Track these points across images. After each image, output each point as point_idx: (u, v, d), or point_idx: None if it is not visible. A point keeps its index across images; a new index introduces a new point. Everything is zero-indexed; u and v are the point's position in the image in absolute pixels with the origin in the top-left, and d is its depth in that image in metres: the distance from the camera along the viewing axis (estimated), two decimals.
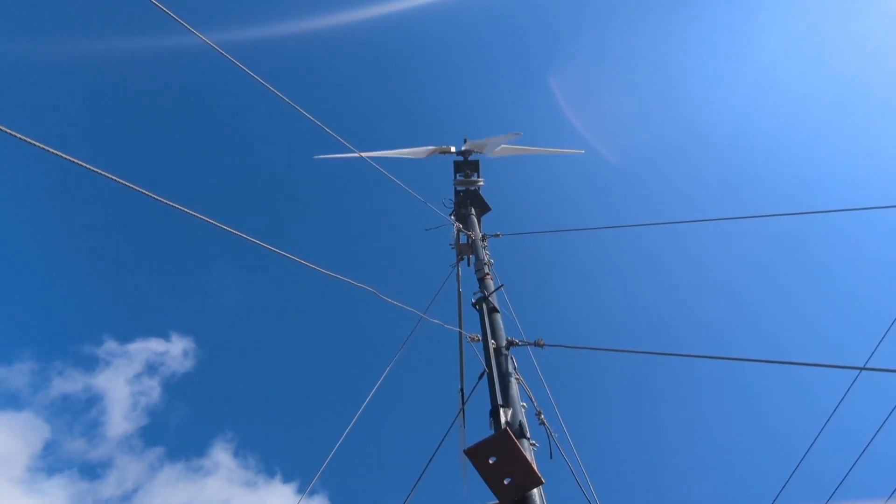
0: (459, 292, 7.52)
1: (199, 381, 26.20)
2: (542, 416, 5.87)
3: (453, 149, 8.96)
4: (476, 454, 4.65)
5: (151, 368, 25.18)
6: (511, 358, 6.01)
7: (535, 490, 4.92)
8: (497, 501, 5.05)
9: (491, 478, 4.81)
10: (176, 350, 25.37)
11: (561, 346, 5.75)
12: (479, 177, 8.62)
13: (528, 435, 5.35)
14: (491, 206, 8.37)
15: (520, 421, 5.34)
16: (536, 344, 6.06)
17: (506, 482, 4.82)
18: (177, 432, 25.64)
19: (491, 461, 4.72)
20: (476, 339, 6.27)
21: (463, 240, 8.27)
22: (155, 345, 25.29)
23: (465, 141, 8.91)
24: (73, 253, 27.36)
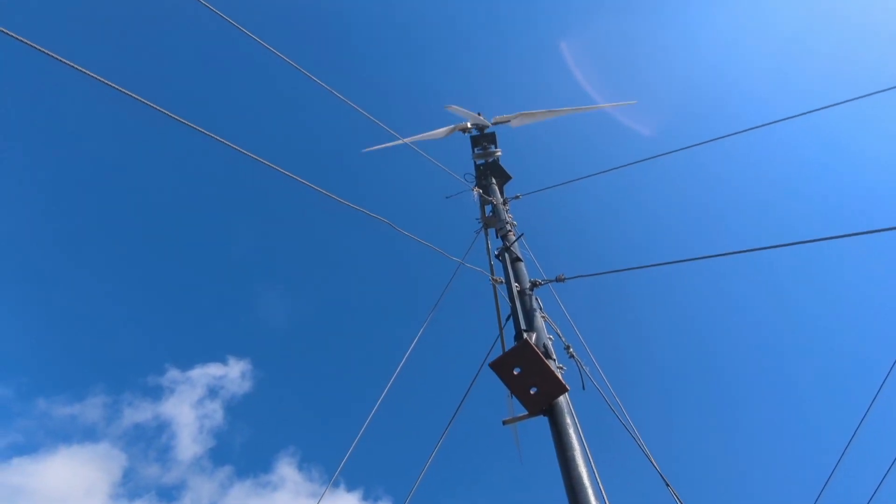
0: (488, 247, 7.81)
1: (258, 400, 27.21)
2: (572, 350, 6.11)
3: (469, 124, 9.33)
4: (500, 366, 4.94)
5: (213, 392, 26.31)
6: (536, 298, 6.29)
7: (561, 398, 5.15)
8: (526, 413, 5.32)
9: (518, 389, 5.08)
10: (234, 372, 26.47)
11: (581, 276, 5.98)
12: (496, 148, 8.98)
13: (554, 357, 5.56)
14: (511, 174, 8.68)
15: (544, 343, 5.57)
16: (558, 279, 6.31)
17: (532, 392, 5.08)
18: (242, 451, 26.61)
19: (515, 372, 4.99)
20: (500, 281, 6.56)
21: (489, 212, 8.60)
22: (214, 369, 26.46)
23: (478, 114, 9.30)
24: (128, 288, 29.01)
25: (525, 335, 4.93)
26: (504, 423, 5.67)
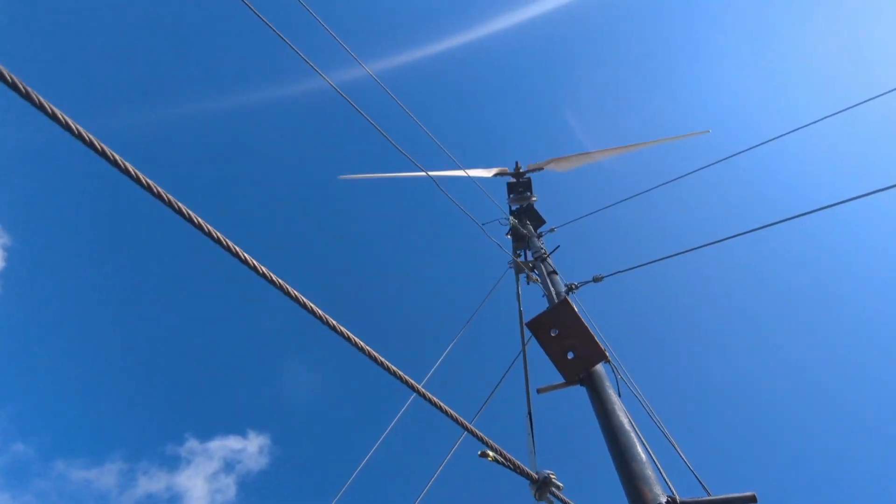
0: (517, 278, 7.95)
1: (272, 478, 26.20)
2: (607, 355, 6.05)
3: (508, 169, 9.81)
4: (538, 326, 4.93)
5: (229, 466, 25.50)
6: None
7: (600, 367, 5.06)
8: (563, 381, 5.21)
9: (554, 353, 5.02)
10: (252, 447, 25.76)
11: (618, 272, 6.05)
12: (531, 194, 9.34)
13: None
14: (546, 218, 8.97)
15: None
16: (595, 280, 6.37)
17: (569, 357, 5.02)
18: None
19: (553, 334, 4.96)
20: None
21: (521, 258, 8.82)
22: (233, 442, 25.81)
23: (516, 164, 9.79)
24: (155, 355, 29.20)
25: (566, 296, 4.94)
26: (539, 391, 5.50)
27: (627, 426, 4.12)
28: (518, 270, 8.51)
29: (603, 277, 6.30)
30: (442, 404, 1.98)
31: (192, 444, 25.87)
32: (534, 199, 9.25)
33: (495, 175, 9.64)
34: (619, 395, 5.68)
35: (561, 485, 2.79)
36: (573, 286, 6.53)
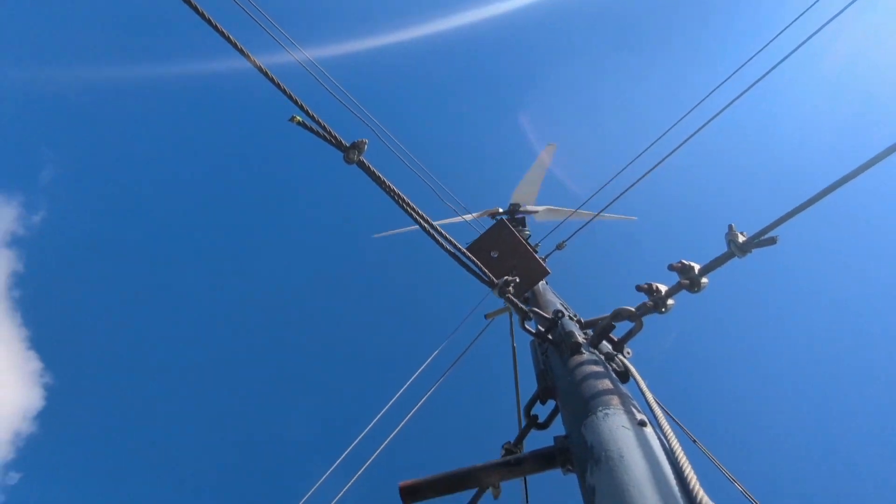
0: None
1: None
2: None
3: (500, 209, 10.28)
4: (477, 250, 5.19)
5: None
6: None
7: (542, 283, 5.24)
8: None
9: (498, 276, 5.23)
10: None
11: (573, 234, 6.29)
12: (525, 228, 9.70)
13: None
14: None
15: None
16: (558, 247, 6.61)
17: (514, 277, 5.21)
18: None
19: (493, 256, 5.21)
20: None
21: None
22: None
23: (510, 204, 10.27)
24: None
25: (503, 218, 5.21)
26: (486, 317, 5.53)
27: None
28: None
29: (565, 243, 6.52)
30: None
31: None
32: (527, 233, 9.62)
33: (482, 215, 10.16)
34: None
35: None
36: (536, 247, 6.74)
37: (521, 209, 10.32)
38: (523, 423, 2.77)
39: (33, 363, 25.41)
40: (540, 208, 10.46)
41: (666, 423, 1.65)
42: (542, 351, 3.00)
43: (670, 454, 1.47)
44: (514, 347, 4.96)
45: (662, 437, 1.57)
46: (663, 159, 5.16)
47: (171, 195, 30.85)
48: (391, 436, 4.75)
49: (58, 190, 28.67)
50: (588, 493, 1.48)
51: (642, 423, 1.61)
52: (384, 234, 10.77)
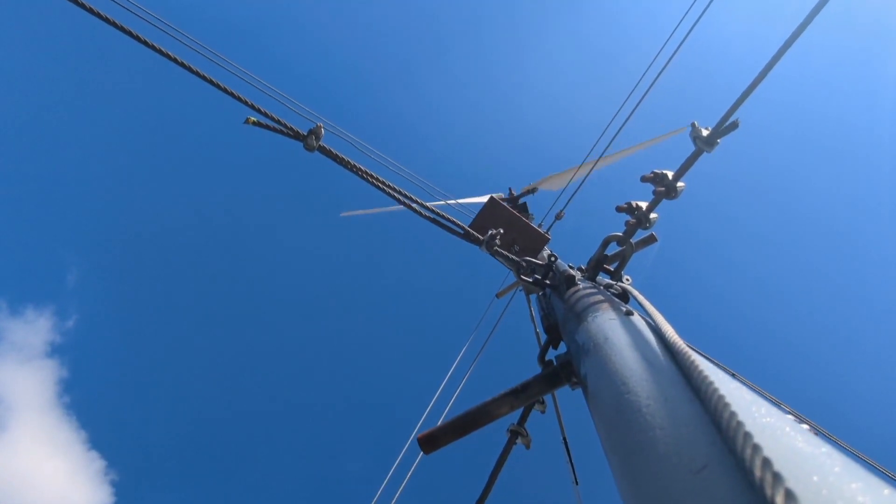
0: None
1: None
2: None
3: (503, 196, 10.26)
4: (477, 230, 5.19)
5: None
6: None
7: (548, 251, 5.24)
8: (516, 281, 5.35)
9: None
10: None
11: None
12: (531, 214, 9.68)
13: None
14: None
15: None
16: (557, 217, 6.60)
17: (515, 250, 5.23)
18: None
19: (497, 231, 5.20)
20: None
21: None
22: None
23: (510, 190, 10.27)
24: None
25: (491, 196, 5.23)
26: (497, 296, 5.51)
27: None
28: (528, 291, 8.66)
29: (563, 213, 6.51)
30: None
31: None
32: (532, 218, 9.60)
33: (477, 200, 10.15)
34: None
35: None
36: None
37: (523, 191, 10.33)
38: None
39: (96, 462, 25.88)
40: (537, 183, 10.46)
41: (657, 312, 1.65)
42: (545, 298, 3.00)
43: (656, 331, 1.47)
44: (531, 315, 4.93)
45: (649, 319, 1.56)
46: (644, 96, 5.15)
47: (173, 241, 31.49)
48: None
49: (85, 290, 29.42)
50: (584, 385, 1.48)
51: (629, 313, 1.61)
52: (353, 213, 10.53)
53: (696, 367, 0.92)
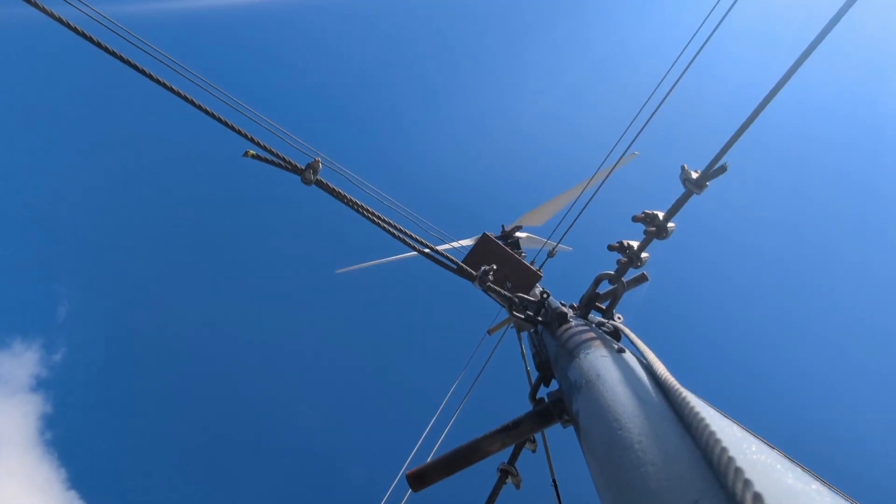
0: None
1: None
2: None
3: (492, 235, 10.29)
4: (474, 263, 5.21)
5: None
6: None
7: (540, 288, 5.25)
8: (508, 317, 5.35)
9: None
10: None
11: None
12: (521, 250, 9.74)
13: None
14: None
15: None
16: (549, 255, 6.64)
17: (508, 286, 5.24)
18: None
19: (490, 267, 5.23)
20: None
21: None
22: None
23: (502, 227, 10.34)
24: None
25: (484, 233, 5.27)
26: (489, 332, 5.48)
27: None
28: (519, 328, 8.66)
29: (555, 250, 6.56)
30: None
31: None
32: (523, 253, 9.66)
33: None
34: None
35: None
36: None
37: (510, 228, 10.41)
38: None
39: (76, 503, 25.07)
40: (519, 221, 10.56)
41: (648, 349, 1.66)
42: (537, 335, 3.00)
43: (648, 368, 1.48)
44: (522, 353, 4.92)
45: (640, 357, 1.58)
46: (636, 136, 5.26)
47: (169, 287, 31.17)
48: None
49: (76, 324, 28.98)
50: (575, 422, 1.47)
51: (620, 350, 1.62)
52: (349, 269, 10.53)
53: (688, 403, 0.93)
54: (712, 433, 0.78)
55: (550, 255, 6.62)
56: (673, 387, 1.08)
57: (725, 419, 1.00)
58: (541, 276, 5.11)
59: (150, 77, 2.48)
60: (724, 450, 0.73)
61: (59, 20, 2.07)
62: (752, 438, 0.85)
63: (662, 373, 1.46)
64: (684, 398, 0.96)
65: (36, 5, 2.10)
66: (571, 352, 1.89)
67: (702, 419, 0.84)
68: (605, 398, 1.32)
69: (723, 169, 2.28)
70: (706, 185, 2.35)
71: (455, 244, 9.70)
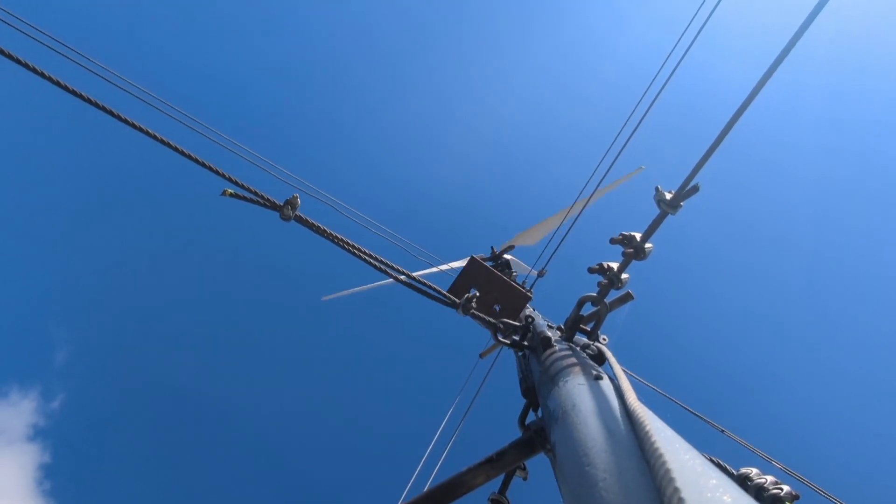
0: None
1: None
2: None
3: (485, 256, 10.32)
4: (458, 291, 5.23)
5: None
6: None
7: (530, 309, 5.25)
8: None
9: (484, 313, 5.26)
10: None
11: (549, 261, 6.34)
12: (513, 271, 9.75)
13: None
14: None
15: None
16: (539, 275, 6.66)
17: (497, 310, 5.24)
18: None
19: (472, 294, 5.24)
20: None
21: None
22: None
23: (492, 249, 10.34)
24: None
25: (472, 256, 5.27)
26: (481, 356, 5.45)
27: None
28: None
29: (545, 270, 6.57)
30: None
31: None
32: (515, 274, 9.67)
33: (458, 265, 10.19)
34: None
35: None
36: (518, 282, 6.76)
37: (501, 249, 10.42)
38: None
39: None
40: (512, 241, 10.58)
41: (623, 376, 1.66)
42: (525, 359, 3.00)
43: (621, 397, 1.48)
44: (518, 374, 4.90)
45: (618, 385, 1.58)
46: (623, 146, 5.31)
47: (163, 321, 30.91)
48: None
49: (73, 369, 28.64)
50: (553, 453, 1.47)
51: (598, 377, 1.62)
52: (334, 295, 10.47)
53: (650, 437, 0.93)
54: (668, 471, 0.79)
55: (540, 275, 6.63)
56: (639, 419, 1.08)
57: (692, 451, 1.00)
58: (531, 297, 5.11)
59: (117, 117, 2.50)
60: (675, 490, 0.73)
61: (18, 61, 2.09)
62: (712, 472, 0.85)
63: (632, 402, 1.46)
64: (647, 431, 0.96)
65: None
66: (553, 378, 1.89)
67: (660, 455, 0.84)
68: (578, 430, 1.32)
69: (695, 189, 2.31)
70: (680, 206, 2.37)
71: (444, 267, 9.69)
